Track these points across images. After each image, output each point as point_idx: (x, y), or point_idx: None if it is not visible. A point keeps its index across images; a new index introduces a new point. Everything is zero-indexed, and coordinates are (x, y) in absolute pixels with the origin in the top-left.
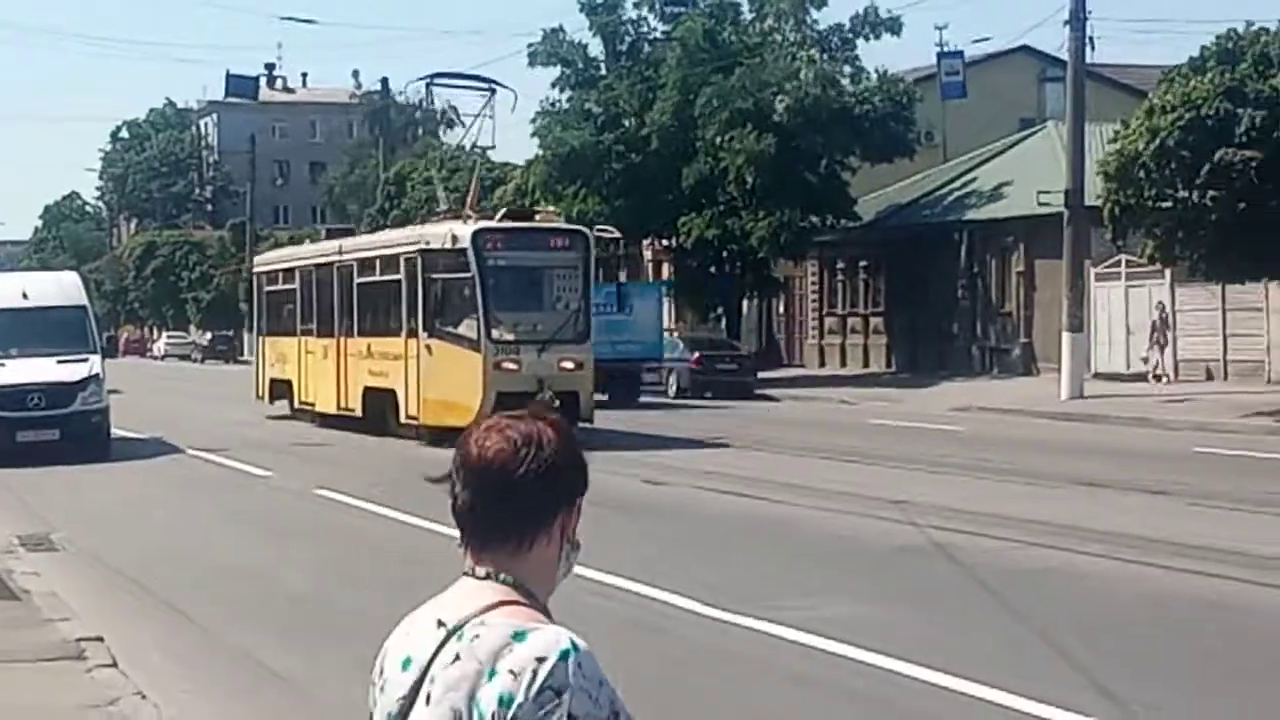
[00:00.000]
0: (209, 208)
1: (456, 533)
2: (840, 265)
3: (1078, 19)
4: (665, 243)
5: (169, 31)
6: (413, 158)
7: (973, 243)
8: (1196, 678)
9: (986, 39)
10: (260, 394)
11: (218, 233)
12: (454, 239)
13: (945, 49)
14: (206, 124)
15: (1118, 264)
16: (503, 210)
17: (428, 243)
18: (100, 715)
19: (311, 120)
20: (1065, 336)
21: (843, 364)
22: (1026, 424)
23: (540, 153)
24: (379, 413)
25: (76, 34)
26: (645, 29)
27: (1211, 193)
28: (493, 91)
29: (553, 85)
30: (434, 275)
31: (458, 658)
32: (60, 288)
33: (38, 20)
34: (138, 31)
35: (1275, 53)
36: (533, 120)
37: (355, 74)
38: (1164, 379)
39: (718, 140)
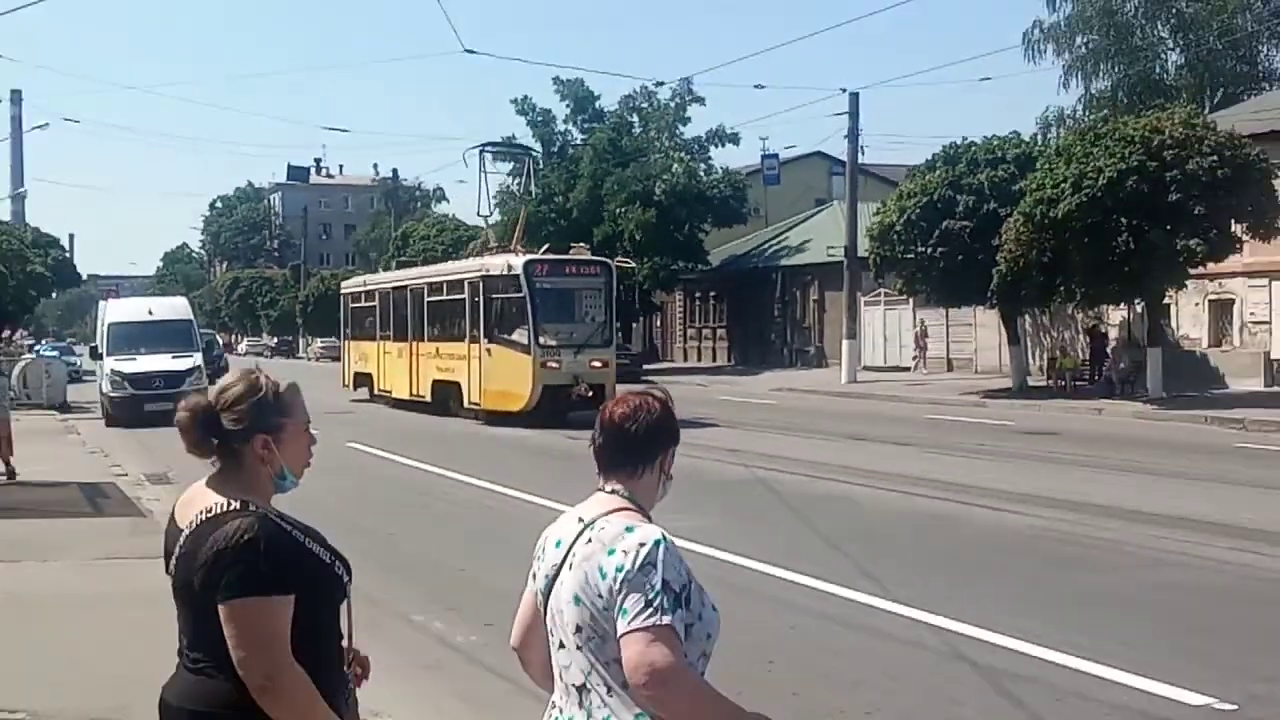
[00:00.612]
0: (275, 254)
1: (461, 474)
2: (697, 295)
3: (853, 134)
4: None
5: (250, 135)
6: (413, 222)
7: (784, 280)
8: (927, 563)
9: (793, 147)
10: (346, 383)
11: (281, 271)
12: (510, 267)
13: (766, 153)
14: (274, 198)
15: (878, 295)
16: (545, 246)
17: (488, 270)
18: None
19: (345, 196)
20: (845, 342)
21: (699, 360)
22: (818, 399)
23: (501, 218)
24: (444, 399)
25: (182, 136)
26: (569, 137)
27: (940, 249)
28: (529, 156)
29: (508, 175)
30: (493, 295)
31: (590, 540)
32: (174, 307)
33: (154, 125)
34: (228, 134)
35: (980, 158)
36: (494, 196)
37: (375, 166)
38: (921, 370)
39: (617, 212)
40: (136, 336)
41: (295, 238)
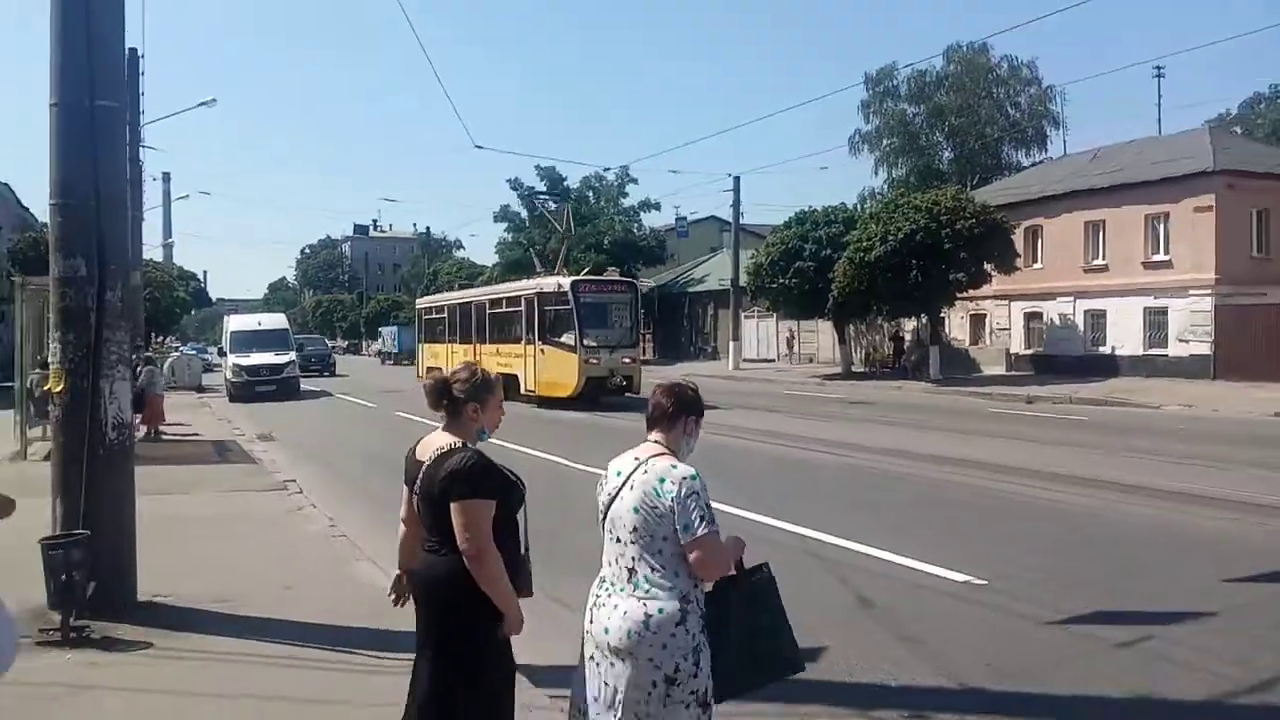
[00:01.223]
0: (346, 285)
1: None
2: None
3: (736, 204)
4: None
5: (328, 200)
6: (440, 263)
7: (690, 302)
8: (788, 490)
9: (696, 212)
10: (420, 375)
11: (350, 296)
12: (560, 286)
13: (679, 216)
14: (345, 246)
15: (753, 312)
16: (586, 269)
17: (542, 288)
18: (296, 516)
19: (394, 245)
20: (731, 343)
21: None
22: (714, 381)
23: (499, 260)
24: (504, 389)
25: (281, 203)
26: (547, 206)
27: (793, 281)
28: (564, 200)
29: (505, 230)
30: (546, 307)
31: (645, 472)
32: (275, 320)
33: (262, 194)
34: (313, 200)
35: (820, 220)
36: (496, 246)
37: (414, 225)
38: (788, 362)
39: (579, 257)
40: (250, 340)
41: (359, 273)
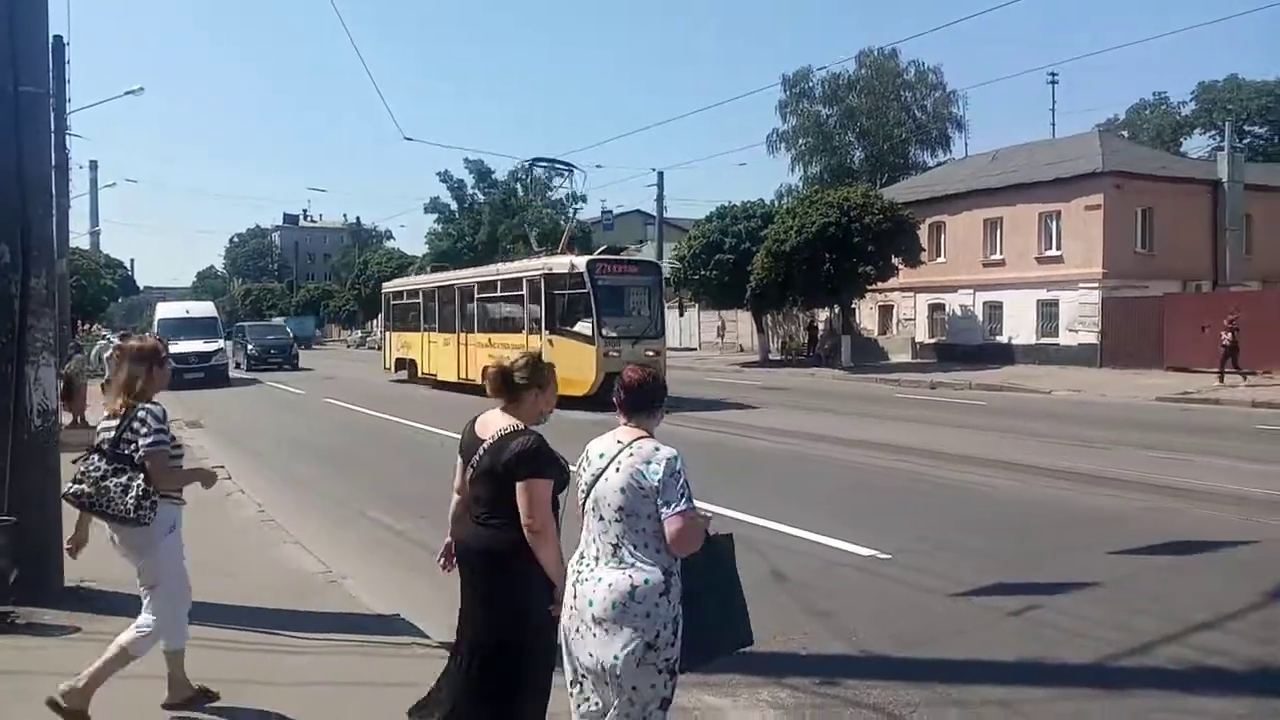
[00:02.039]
0: (275, 274)
1: (415, 421)
2: None
3: (660, 198)
4: None
5: (257, 190)
6: (370, 253)
7: None
8: (710, 472)
9: (622, 206)
10: (387, 367)
11: (280, 285)
12: (574, 266)
13: (605, 210)
14: (275, 235)
15: (678, 301)
16: (600, 249)
17: (551, 269)
18: (225, 501)
19: (324, 235)
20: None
21: None
22: None
23: (429, 250)
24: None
25: (210, 191)
26: (475, 198)
27: (714, 272)
28: (572, 171)
29: (435, 222)
30: (556, 291)
31: (631, 455)
32: (204, 309)
33: (191, 182)
34: (242, 189)
35: (739, 214)
36: (426, 237)
37: (345, 215)
38: (718, 349)
39: (508, 248)
40: (178, 328)
41: (289, 262)
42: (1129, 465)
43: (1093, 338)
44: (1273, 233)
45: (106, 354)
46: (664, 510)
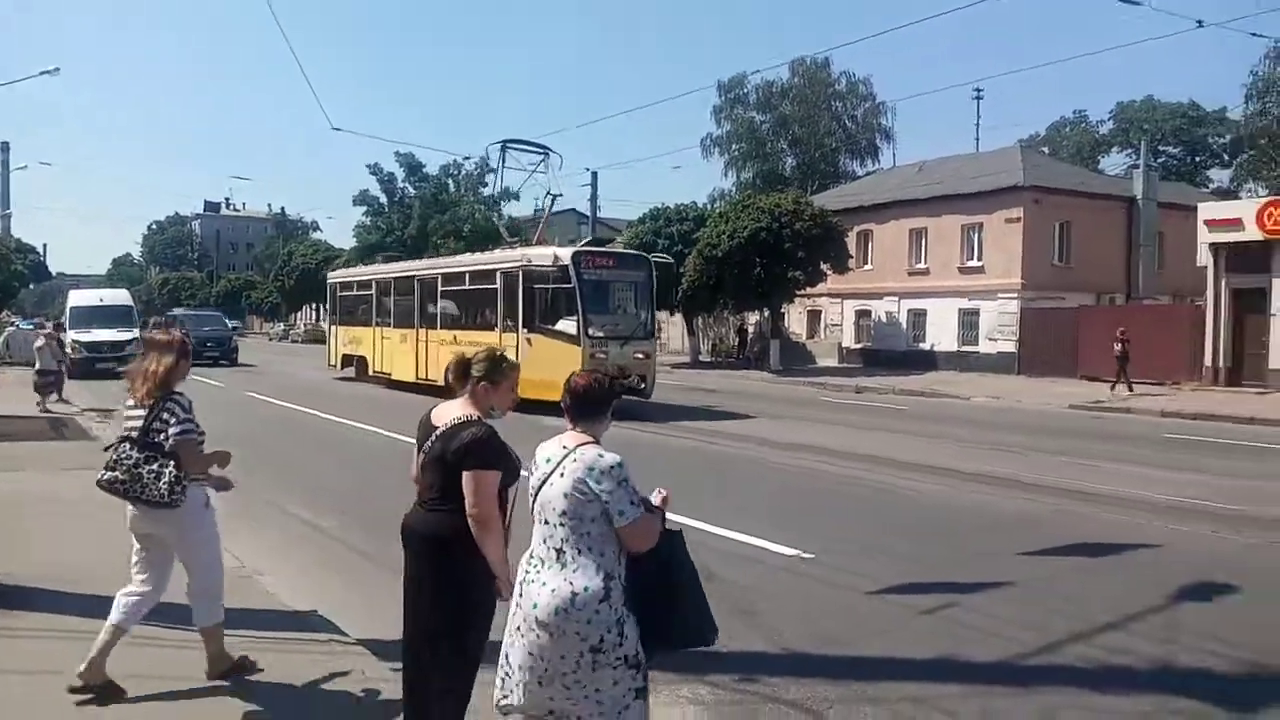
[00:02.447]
0: (195, 263)
1: (345, 418)
2: None
3: (594, 198)
4: None
5: (178, 177)
6: (295, 244)
7: None
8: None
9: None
10: (332, 363)
11: (200, 275)
12: (557, 258)
13: (538, 208)
14: (195, 224)
15: None
16: (584, 240)
17: (529, 260)
18: None
19: (247, 224)
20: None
21: None
22: None
23: (356, 244)
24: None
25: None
26: (405, 192)
27: None
28: (547, 155)
29: (363, 214)
30: (535, 285)
31: (575, 460)
32: (118, 297)
33: (108, 168)
34: (162, 176)
35: (673, 217)
36: (354, 229)
37: (269, 205)
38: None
39: (439, 243)
40: (91, 316)
41: (210, 252)
42: (1043, 470)
43: (1011, 346)
44: (1183, 249)
45: (36, 338)
46: (617, 519)
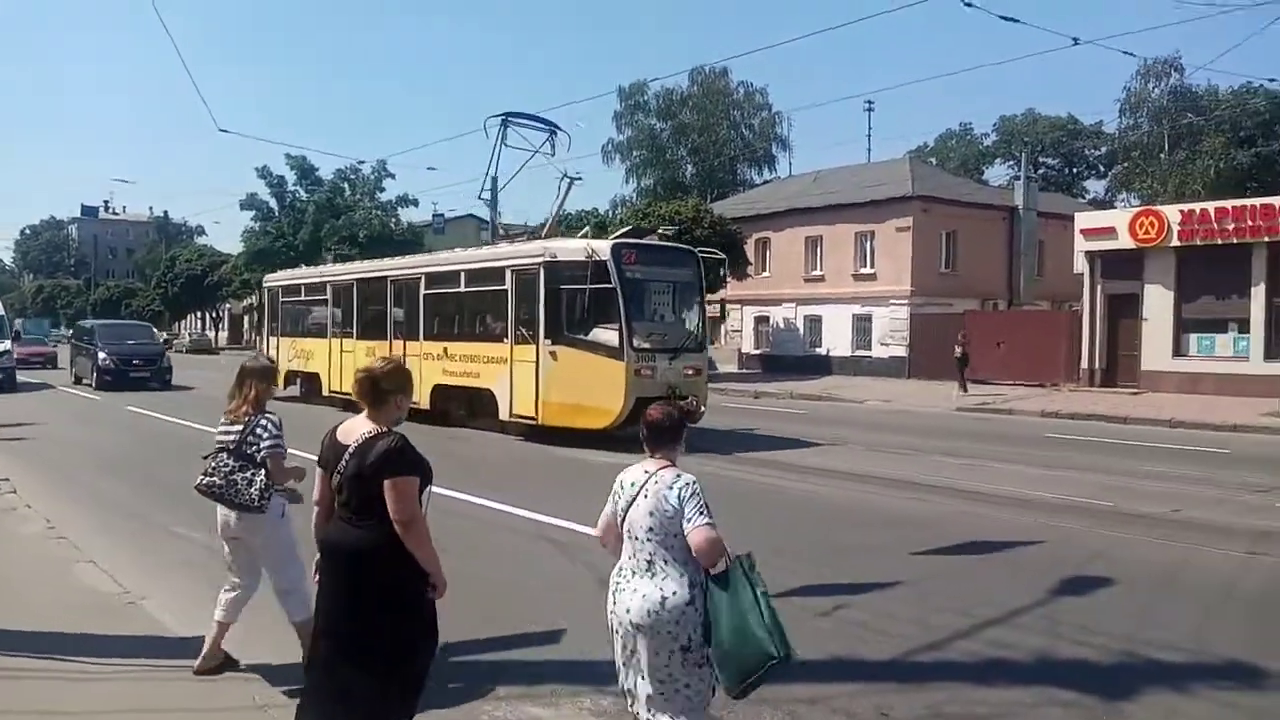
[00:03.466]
0: (72, 270)
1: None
2: None
3: (493, 204)
4: None
5: (53, 180)
6: (179, 249)
7: None
8: (548, 484)
9: (454, 210)
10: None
11: (77, 282)
12: (593, 253)
13: (436, 213)
14: (72, 228)
15: None
16: (621, 230)
17: (555, 256)
18: (10, 516)
19: (127, 229)
20: None
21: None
22: None
23: (244, 249)
24: (456, 409)
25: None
26: (297, 196)
27: None
28: (554, 132)
29: (252, 219)
30: (562, 287)
31: (656, 483)
32: None
33: None
34: (37, 179)
35: (575, 223)
36: (242, 235)
37: (151, 208)
38: None
39: (333, 250)
40: None
41: (87, 258)
42: (932, 471)
43: (902, 351)
44: (1061, 257)
45: None
46: (687, 526)
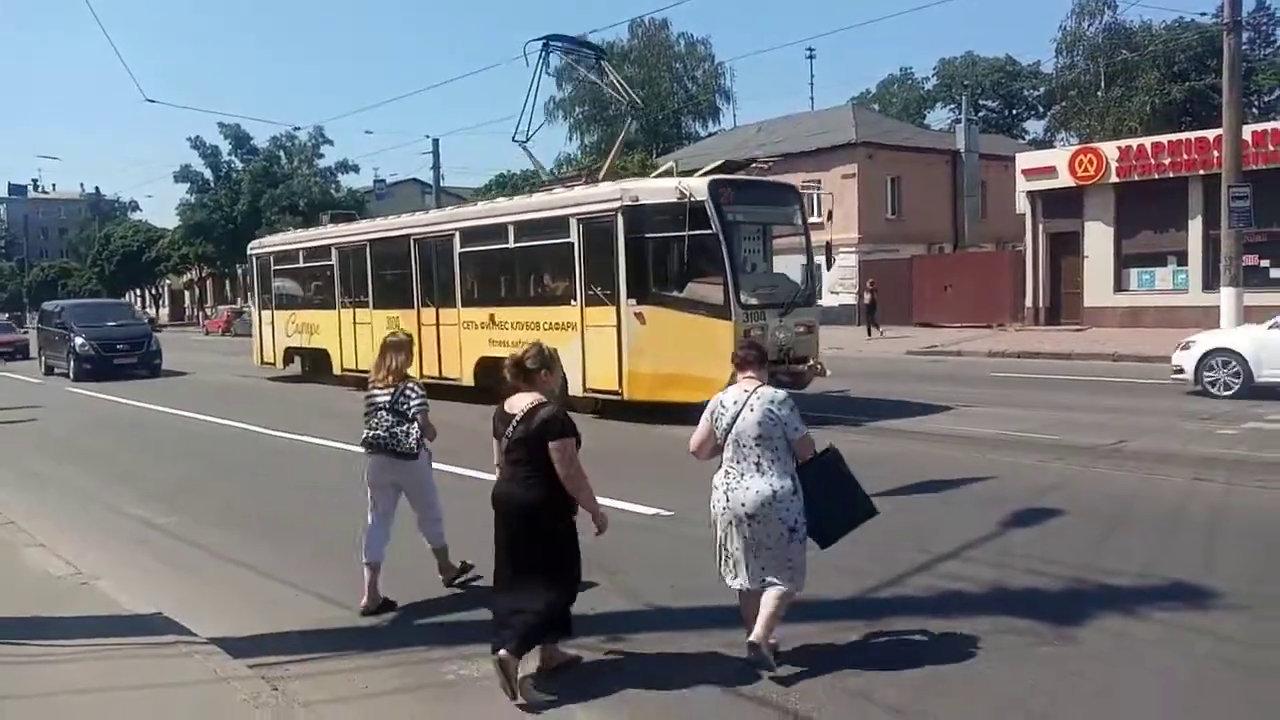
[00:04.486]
0: (4, 251)
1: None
2: None
3: (436, 167)
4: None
5: None
6: (114, 225)
7: None
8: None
9: (396, 174)
10: (267, 359)
11: (9, 264)
12: (685, 192)
13: (378, 179)
14: (1, 209)
15: None
16: (714, 164)
17: (637, 198)
18: None
19: (59, 207)
20: None
21: None
22: None
23: (181, 223)
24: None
25: None
26: (233, 166)
27: None
28: (600, 57)
29: (187, 191)
30: (647, 235)
31: (758, 398)
32: None
33: None
34: None
35: (520, 184)
36: (177, 208)
37: (82, 185)
38: None
39: (274, 218)
40: None
41: (18, 238)
42: (885, 413)
43: (852, 299)
44: (1004, 198)
45: None
46: (794, 434)
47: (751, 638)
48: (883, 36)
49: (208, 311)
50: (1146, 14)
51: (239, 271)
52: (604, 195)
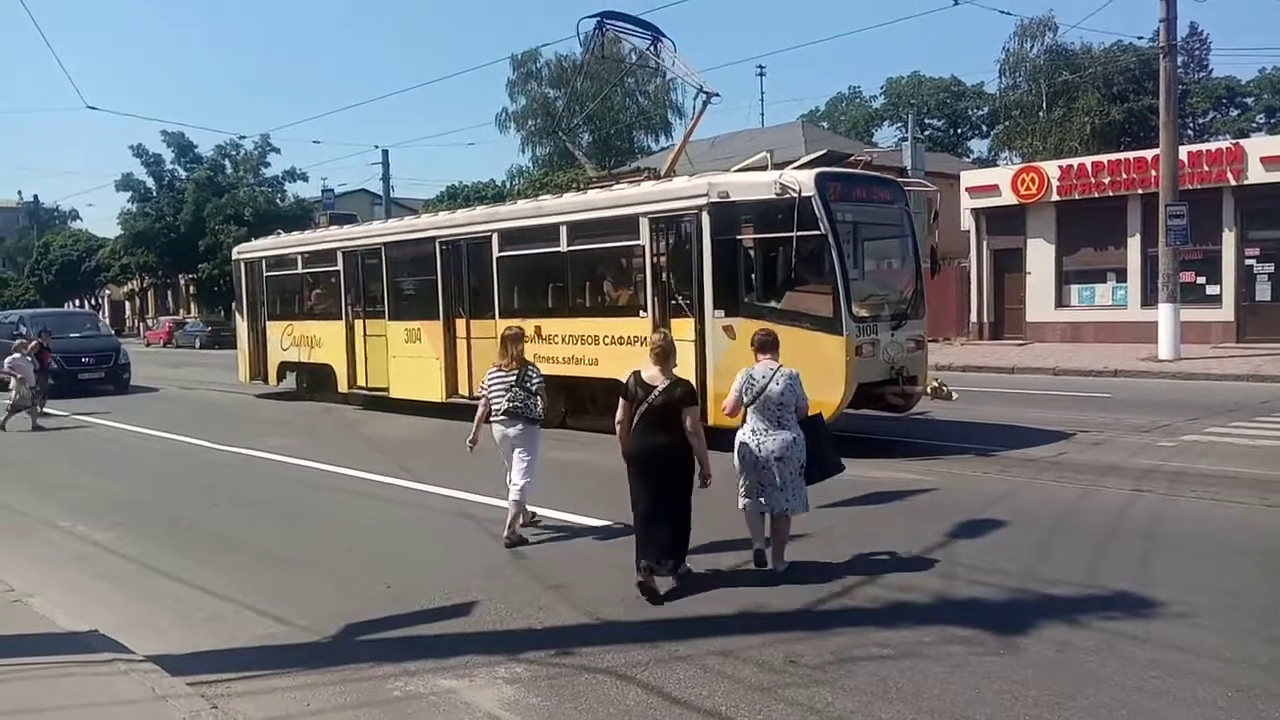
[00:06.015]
0: None
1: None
2: None
3: (385, 178)
4: (192, 276)
5: None
6: (52, 234)
7: None
8: (462, 463)
9: (345, 184)
10: (258, 375)
11: None
12: (788, 187)
13: (325, 188)
14: None
15: None
16: (814, 154)
17: (726, 194)
18: None
19: None
20: None
21: None
22: None
23: (123, 232)
24: (556, 406)
25: None
26: (176, 174)
27: None
28: (657, 38)
29: (129, 200)
30: (738, 236)
31: (781, 374)
32: None
33: None
34: None
35: (470, 195)
36: (119, 217)
37: (20, 192)
38: None
39: (218, 229)
40: None
41: None
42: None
43: None
44: (948, 216)
45: None
46: (803, 402)
47: (771, 564)
48: (832, 56)
49: (149, 322)
50: (1087, 37)
51: (181, 281)
52: (684, 191)
